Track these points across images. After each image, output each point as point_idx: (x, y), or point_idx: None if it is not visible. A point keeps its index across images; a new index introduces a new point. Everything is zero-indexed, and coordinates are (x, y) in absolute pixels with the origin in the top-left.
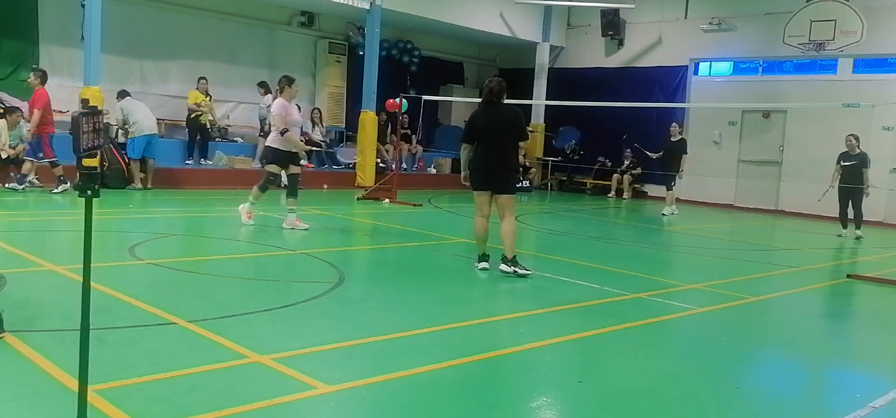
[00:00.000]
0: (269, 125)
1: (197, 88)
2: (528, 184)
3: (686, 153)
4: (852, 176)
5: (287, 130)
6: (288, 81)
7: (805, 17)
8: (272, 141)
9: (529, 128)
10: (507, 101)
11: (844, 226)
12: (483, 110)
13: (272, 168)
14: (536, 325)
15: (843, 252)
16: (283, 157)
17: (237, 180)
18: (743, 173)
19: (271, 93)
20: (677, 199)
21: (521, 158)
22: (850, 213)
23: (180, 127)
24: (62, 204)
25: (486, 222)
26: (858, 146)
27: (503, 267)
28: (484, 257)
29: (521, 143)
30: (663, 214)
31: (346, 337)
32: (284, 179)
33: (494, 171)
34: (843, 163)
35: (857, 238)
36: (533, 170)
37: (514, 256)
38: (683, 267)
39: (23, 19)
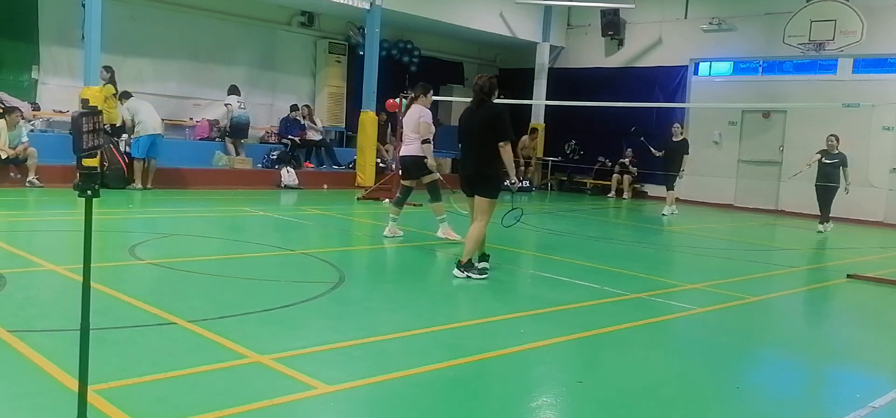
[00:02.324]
0: (401, 133)
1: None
2: (528, 184)
3: (688, 153)
4: (830, 174)
5: (429, 140)
6: (425, 89)
7: (805, 17)
8: (419, 151)
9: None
10: (507, 101)
11: (822, 222)
12: (468, 110)
13: (431, 177)
14: (536, 325)
15: (842, 252)
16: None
17: (237, 180)
18: (743, 173)
19: (238, 95)
20: (677, 199)
21: (518, 156)
22: (815, 208)
23: (180, 127)
24: (62, 204)
25: None
26: (838, 146)
27: (456, 272)
28: (483, 257)
29: (501, 143)
30: (663, 214)
31: (346, 337)
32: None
33: (471, 174)
34: (824, 161)
35: (820, 232)
36: (531, 168)
37: (469, 261)
38: (683, 267)
39: (23, 19)
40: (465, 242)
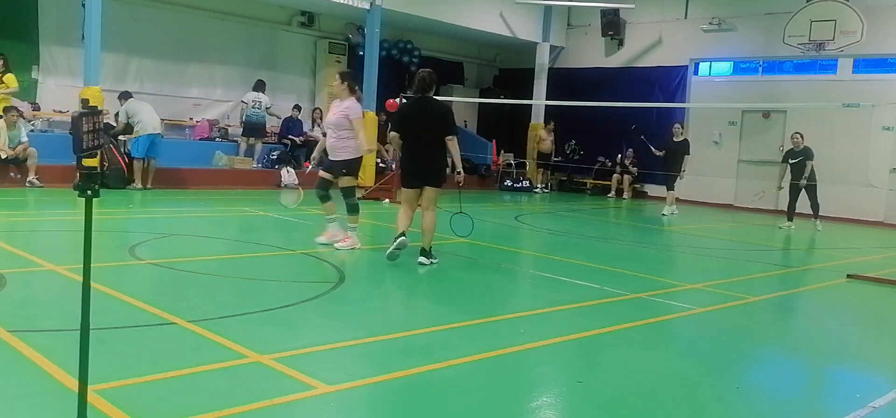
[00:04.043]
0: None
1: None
2: (528, 184)
3: (689, 154)
4: (798, 172)
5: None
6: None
7: (805, 17)
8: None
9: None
10: (507, 101)
11: (790, 220)
12: (411, 105)
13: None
14: (536, 325)
15: (842, 252)
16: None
17: (237, 180)
18: (743, 173)
19: (260, 92)
20: (677, 199)
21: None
22: (807, 208)
23: (180, 127)
24: (62, 204)
25: (412, 214)
26: (803, 142)
27: (422, 259)
28: (401, 235)
29: (450, 137)
30: (663, 214)
31: (346, 337)
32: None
33: (425, 168)
34: (790, 161)
35: (781, 228)
36: (542, 172)
37: (430, 248)
38: (683, 267)
39: (23, 19)
40: (424, 232)
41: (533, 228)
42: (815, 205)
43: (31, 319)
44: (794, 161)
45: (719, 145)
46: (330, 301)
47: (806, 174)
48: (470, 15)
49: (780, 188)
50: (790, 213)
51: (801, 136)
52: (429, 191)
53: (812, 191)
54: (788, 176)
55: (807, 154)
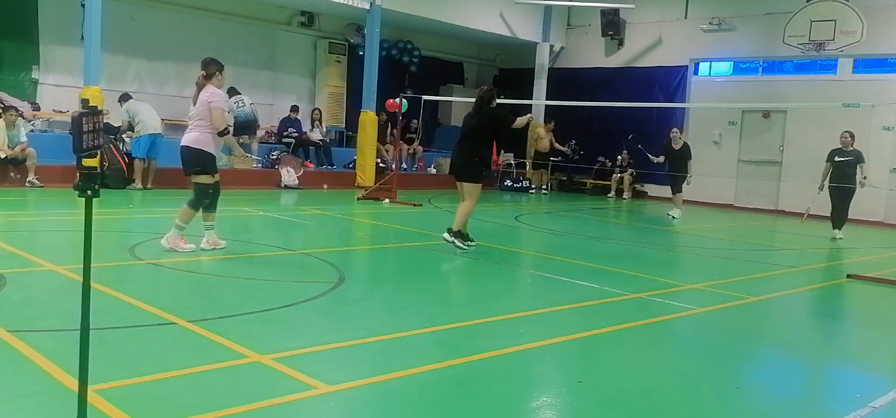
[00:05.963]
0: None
1: None
2: (528, 184)
3: (691, 158)
4: (846, 175)
5: (227, 131)
6: (219, 67)
7: (805, 17)
8: (201, 142)
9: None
10: (508, 101)
11: (836, 227)
12: (469, 114)
13: (204, 179)
14: (536, 325)
15: (842, 252)
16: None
17: (237, 180)
18: (743, 173)
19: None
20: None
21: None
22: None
23: (180, 127)
24: (62, 204)
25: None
26: (852, 143)
27: (445, 235)
28: (468, 239)
29: (508, 126)
30: (672, 218)
31: (346, 337)
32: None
33: (457, 164)
34: (837, 159)
35: (834, 239)
36: (541, 173)
37: (459, 231)
38: (683, 267)
39: (23, 19)
40: (456, 214)
41: (533, 228)
42: (844, 213)
43: (31, 319)
44: (840, 160)
45: (719, 145)
46: (330, 301)
47: (864, 175)
48: (470, 15)
49: (820, 189)
50: (834, 218)
51: (851, 136)
52: (465, 186)
53: (849, 195)
54: (829, 176)
55: (858, 157)
